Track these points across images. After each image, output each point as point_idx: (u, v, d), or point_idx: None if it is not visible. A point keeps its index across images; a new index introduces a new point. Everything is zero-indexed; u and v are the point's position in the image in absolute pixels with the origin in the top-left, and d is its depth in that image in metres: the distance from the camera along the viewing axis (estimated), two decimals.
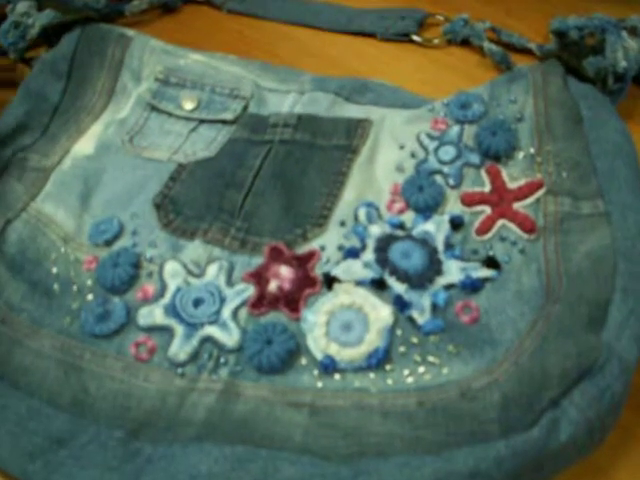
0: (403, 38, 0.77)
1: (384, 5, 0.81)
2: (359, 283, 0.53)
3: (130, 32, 0.72)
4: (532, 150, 0.59)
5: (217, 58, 0.71)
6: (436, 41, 0.77)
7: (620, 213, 0.54)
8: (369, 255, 0.54)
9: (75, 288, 0.55)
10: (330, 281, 0.53)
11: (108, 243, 0.58)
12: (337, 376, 0.49)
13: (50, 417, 0.48)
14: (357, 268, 0.54)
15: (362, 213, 0.57)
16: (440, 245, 0.55)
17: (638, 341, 0.47)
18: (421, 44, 0.77)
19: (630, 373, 0.46)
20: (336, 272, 0.54)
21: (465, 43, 0.76)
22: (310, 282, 0.53)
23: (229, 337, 0.51)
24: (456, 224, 0.56)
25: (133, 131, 0.66)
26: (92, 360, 0.51)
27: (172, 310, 0.53)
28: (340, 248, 0.55)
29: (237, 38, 0.79)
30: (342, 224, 0.57)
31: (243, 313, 0.53)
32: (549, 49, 0.72)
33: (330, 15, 0.80)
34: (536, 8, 0.80)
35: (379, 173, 0.60)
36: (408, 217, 0.57)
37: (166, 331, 0.52)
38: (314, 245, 0.56)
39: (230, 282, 0.54)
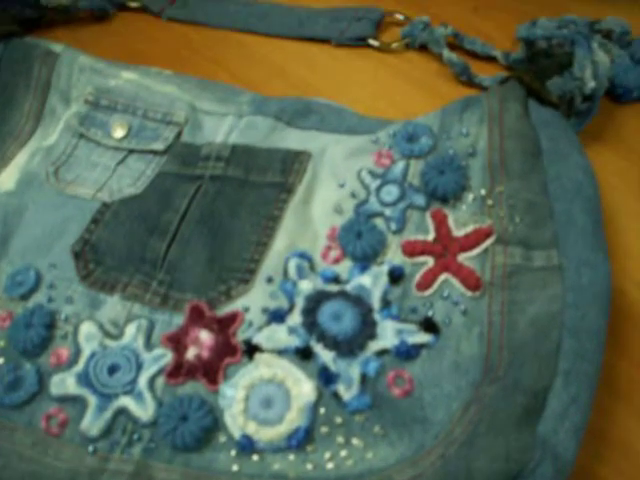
0: (359, 42, 0.72)
1: (340, 3, 0.75)
2: (282, 352, 0.49)
3: (57, 47, 0.67)
4: (483, 191, 0.54)
5: (151, 76, 0.66)
6: (394, 45, 0.71)
7: (574, 269, 0.49)
8: (296, 318, 0.50)
9: None
10: (251, 350, 0.49)
11: (24, 297, 0.54)
12: (255, 457, 0.46)
13: None
14: (281, 335, 0.50)
15: (292, 266, 0.53)
16: (376, 302, 0.51)
17: (578, 434, 0.43)
18: (378, 49, 0.71)
19: (565, 474, 0.42)
20: (258, 340, 0.50)
21: (423, 49, 0.71)
22: (230, 350, 0.50)
23: (144, 410, 0.48)
24: (395, 277, 0.52)
25: (59, 161, 0.61)
26: (1, 434, 0.48)
27: (85, 379, 0.50)
28: (265, 311, 0.51)
29: (180, 44, 0.74)
30: (269, 280, 0.52)
31: (160, 382, 0.49)
32: (515, 58, 0.67)
33: (279, 18, 0.75)
34: (505, 6, 0.74)
35: (316, 214, 0.56)
36: (344, 267, 0.53)
37: (79, 402, 0.49)
38: (238, 305, 0.52)
39: (149, 345, 0.51)
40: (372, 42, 0.72)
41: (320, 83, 0.68)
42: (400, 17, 0.73)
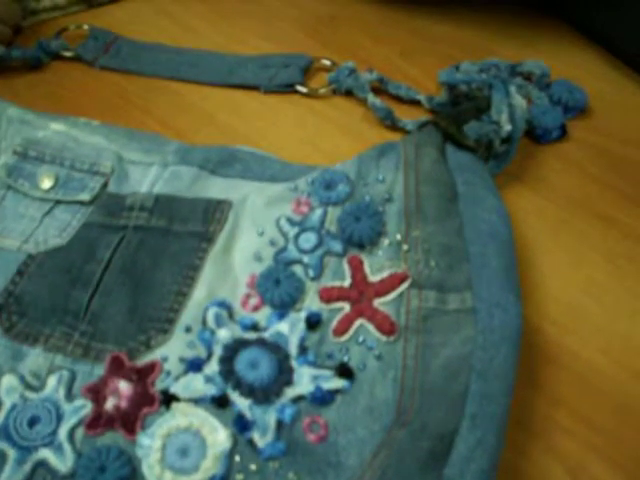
0: (287, 89, 0.73)
1: (272, 48, 0.77)
2: (199, 401, 0.50)
3: None
4: (399, 237, 0.55)
5: (79, 126, 0.67)
6: (322, 91, 0.73)
7: (487, 311, 0.50)
8: (214, 366, 0.51)
9: None
10: (169, 399, 0.50)
11: None
12: None
13: None
14: (198, 384, 0.50)
15: (211, 315, 0.54)
16: (293, 349, 0.52)
17: (484, 476, 0.44)
18: (306, 94, 0.73)
19: None
20: (175, 389, 0.50)
21: (351, 93, 0.72)
22: (148, 400, 0.50)
23: (63, 462, 0.48)
24: (312, 323, 0.53)
25: None
26: None
27: (5, 432, 0.50)
28: (182, 360, 0.52)
29: (113, 93, 0.75)
30: (188, 330, 0.53)
31: (79, 433, 0.49)
32: (438, 101, 0.69)
33: (210, 66, 0.76)
34: (431, 50, 0.76)
35: (236, 263, 0.57)
36: (263, 315, 0.54)
37: None
38: (157, 355, 0.52)
39: (70, 396, 0.51)
40: (300, 88, 0.73)
41: (248, 130, 0.69)
42: (327, 63, 0.74)
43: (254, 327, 0.53)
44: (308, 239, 0.57)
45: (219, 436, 0.48)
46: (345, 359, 0.51)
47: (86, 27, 0.82)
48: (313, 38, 0.79)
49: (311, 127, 0.70)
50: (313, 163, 0.63)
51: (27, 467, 0.48)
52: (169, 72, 0.76)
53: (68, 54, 0.80)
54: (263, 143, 0.66)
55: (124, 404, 0.50)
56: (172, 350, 0.52)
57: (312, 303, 0.54)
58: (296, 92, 0.73)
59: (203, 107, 0.73)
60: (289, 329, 0.53)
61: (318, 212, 0.58)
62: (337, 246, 0.56)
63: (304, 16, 0.83)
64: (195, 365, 0.51)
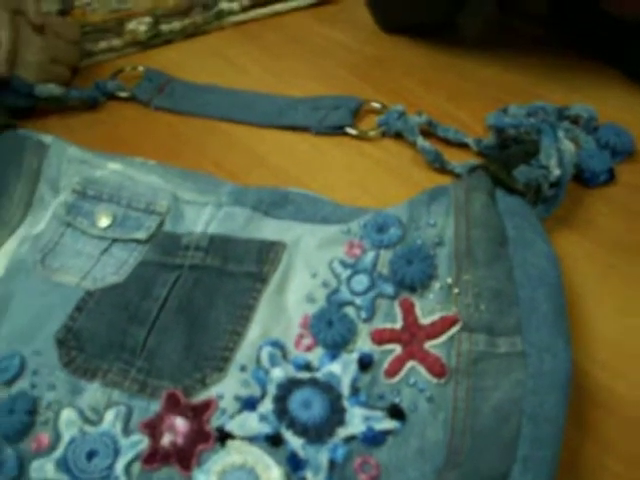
0: (337, 131, 0.75)
1: (322, 91, 0.79)
2: (253, 439, 0.51)
3: (48, 138, 0.70)
4: (449, 280, 0.56)
5: (136, 166, 0.69)
6: (371, 133, 0.74)
7: (537, 356, 0.51)
8: (268, 405, 0.52)
9: None
10: (224, 437, 0.51)
11: (7, 383, 0.56)
12: None
13: None
14: (252, 422, 0.51)
15: (265, 355, 0.55)
16: (345, 389, 0.53)
17: None
18: (355, 136, 0.74)
19: None
20: (231, 427, 0.51)
21: (399, 136, 0.74)
22: (204, 437, 0.51)
23: None
24: (364, 364, 0.54)
25: (47, 249, 0.64)
26: None
27: (64, 464, 0.51)
28: (237, 398, 0.53)
29: (167, 133, 0.77)
30: (242, 369, 0.54)
31: (136, 468, 0.51)
32: (487, 144, 0.70)
33: (261, 107, 0.78)
34: (478, 93, 0.78)
35: (290, 303, 0.58)
36: (315, 355, 0.55)
37: None
38: (212, 393, 0.54)
39: (127, 431, 0.52)
40: (350, 130, 0.74)
41: (299, 172, 0.71)
42: (377, 105, 0.76)
43: (307, 367, 0.54)
44: (360, 281, 0.58)
45: (273, 474, 0.49)
46: (396, 400, 0.52)
47: (141, 68, 0.85)
48: (361, 80, 0.81)
49: (361, 169, 0.71)
50: (363, 205, 0.64)
51: None
52: (221, 113, 0.78)
53: (124, 94, 0.82)
54: (314, 185, 0.67)
55: (180, 440, 0.51)
56: (227, 388, 0.54)
57: (364, 344, 0.55)
58: (346, 134, 0.75)
59: (255, 148, 0.74)
60: (341, 370, 0.54)
61: (370, 255, 0.59)
62: (389, 289, 0.57)
63: (351, 57, 0.85)
64: (250, 404, 0.52)
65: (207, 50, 0.89)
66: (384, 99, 0.77)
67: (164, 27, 0.91)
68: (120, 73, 0.85)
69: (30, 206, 0.68)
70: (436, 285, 0.56)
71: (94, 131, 0.74)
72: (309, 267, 0.59)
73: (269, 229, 0.63)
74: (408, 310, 0.56)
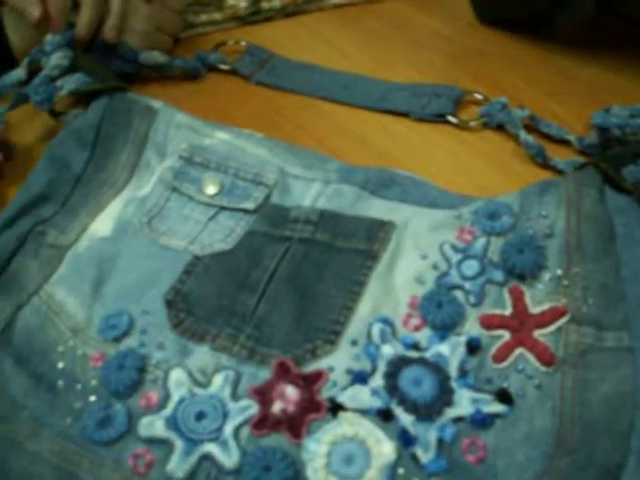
0: (438, 118, 0.75)
1: (420, 79, 0.79)
2: (365, 412, 0.51)
3: (157, 104, 0.71)
4: (559, 272, 0.56)
5: (244, 137, 0.69)
6: (472, 124, 0.74)
7: None
8: (378, 381, 0.53)
9: (79, 387, 0.54)
10: (335, 408, 0.52)
11: (116, 340, 0.56)
12: None
13: None
14: (364, 396, 0.52)
15: (376, 331, 0.55)
16: (453, 371, 0.53)
17: None
18: (456, 125, 0.74)
19: None
20: (342, 399, 0.52)
21: (500, 128, 0.74)
22: (315, 407, 0.52)
23: (228, 457, 0.50)
24: (473, 347, 0.54)
25: (152, 212, 0.65)
26: (90, 470, 0.50)
27: (173, 423, 0.52)
28: (349, 371, 0.53)
29: (268, 108, 0.78)
30: (354, 343, 0.55)
31: (245, 432, 0.51)
32: (589, 143, 0.70)
33: (362, 89, 0.78)
34: (580, 92, 0.78)
35: (398, 283, 0.58)
36: (423, 335, 0.55)
37: (165, 445, 0.51)
38: (322, 364, 0.54)
39: (235, 395, 0.53)
40: (451, 119, 0.75)
41: (400, 155, 0.71)
42: (479, 97, 0.76)
43: (416, 346, 0.55)
44: (471, 266, 0.58)
45: (384, 448, 0.49)
46: (504, 385, 0.52)
47: (243, 43, 0.85)
48: (461, 70, 0.81)
49: (462, 158, 0.72)
50: (466, 193, 0.64)
51: (193, 459, 0.50)
52: (322, 92, 0.79)
53: (225, 67, 0.83)
54: (416, 169, 0.67)
55: (291, 408, 0.52)
56: (338, 361, 0.54)
57: (472, 328, 0.55)
58: (446, 122, 0.75)
59: (356, 129, 0.75)
60: (450, 351, 0.54)
61: (481, 241, 0.59)
62: (499, 275, 0.57)
63: (452, 48, 0.85)
64: (361, 377, 0.53)
65: (306, 30, 0.90)
66: (483, 91, 0.77)
67: (264, 4, 0.91)
68: (221, 46, 0.86)
69: (136, 169, 0.69)
70: (546, 276, 0.57)
71: (195, 101, 0.75)
72: (419, 248, 0.60)
73: (376, 208, 0.64)
74: (518, 298, 0.56)
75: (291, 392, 0.53)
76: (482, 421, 0.50)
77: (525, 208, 0.60)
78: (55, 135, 0.73)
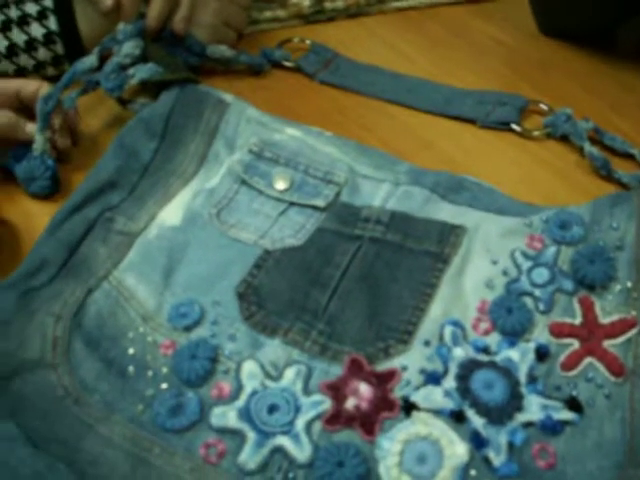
0: (502, 126, 0.75)
1: (481, 86, 0.79)
2: (438, 413, 0.52)
3: (228, 97, 0.72)
4: (629, 284, 0.57)
5: (313, 135, 0.70)
6: (536, 133, 0.75)
7: None
8: (450, 382, 0.53)
9: (150, 373, 0.55)
10: (409, 407, 0.52)
11: (187, 329, 0.57)
12: None
13: None
14: (437, 396, 0.53)
15: (448, 333, 0.56)
16: (523, 377, 0.54)
17: None
18: (520, 134, 0.75)
19: None
20: (416, 398, 0.52)
21: (564, 139, 0.74)
22: (388, 405, 0.52)
23: (300, 451, 0.50)
24: (541, 354, 0.55)
25: (221, 204, 0.65)
26: (160, 456, 0.51)
27: (246, 414, 0.52)
28: (422, 371, 0.54)
29: (332, 107, 0.78)
30: (426, 344, 0.56)
31: (317, 427, 0.52)
32: None
33: (426, 94, 0.79)
34: None
35: (467, 287, 0.59)
36: (493, 340, 0.56)
37: (238, 435, 0.51)
38: (395, 364, 0.55)
39: (307, 390, 0.54)
40: (515, 127, 0.75)
41: (464, 161, 0.72)
42: (543, 107, 0.76)
43: (485, 350, 0.55)
44: (541, 274, 0.59)
45: (458, 449, 0.50)
46: (574, 393, 0.53)
47: (308, 42, 0.86)
48: (522, 79, 0.81)
49: (525, 167, 0.72)
50: (532, 203, 0.65)
51: (265, 451, 0.51)
52: (387, 95, 0.79)
53: (289, 64, 0.83)
54: (481, 176, 0.68)
55: (364, 405, 0.52)
56: (412, 361, 0.55)
57: (540, 335, 0.56)
58: (510, 130, 0.75)
59: (421, 133, 0.75)
60: (519, 357, 0.55)
61: (552, 249, 0.60)
62: (568, 284, 0.58)
63: (514, 57, 0.85)
64: (434, 378, 0.54)
65: (368, 32, 0.90)
66: (545, 101, 0.78)
67: (328, 4, 0.92)
68: (286, 43, 0.86)
69: (204, 160, 0.69)
70: (616, 287, 0.57)
71: (259, 96, 0.75)
72: (490, 254, 0.60)
73: (446, 212, 0.64)
74: (588, 308, 0.57)
75: (364, 389, 0.53)
76: (552, 427, 0.51)
77: (596, 219, 0.61)
78: (120, 123, 0.75)
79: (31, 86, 0.71)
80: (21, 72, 0.80)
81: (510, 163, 0.72)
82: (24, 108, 0.72)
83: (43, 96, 0.69)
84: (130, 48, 0.73)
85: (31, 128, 0.70)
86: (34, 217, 0.69)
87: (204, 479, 0.50)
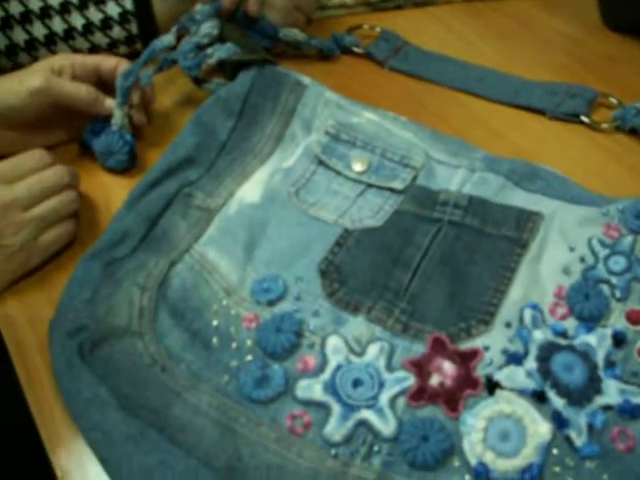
0: (571, 118, 0.76)
1: (548, 78, 0.80)
2: (521, 392, 0.53)
3: (306, 80, 0.73)
4: None
5: (389, 119, 0.71)
6: (605, 126, 0.76)
7: None
8: (531, 363, 0.54)
9: (234, 345, 0.56)
10: (492, 386, 0.53)
11: (271, 303, 0.58)
12: None
13: None
14: (520, 376, 0.54)
15: (528, 315, 0.57)
16: (600, 361, 0.55)
17: None
18: (589, 126, 0.76)
19: None
20: (499, 377, 0.54)
21: (633, 132, 0.75)
22: (471, 383, 0.54)
23: (385, 425, 0.52)
24: (619, 340, 0.56)
25: (299, 184, 0.66)
26: (246, 425, 0.52)
27: (331, 388, 0.54)
28: (504, 352, 0.55)
29: (403, 94, 0.79)
30: (508, 325, 0.57)
31: (401, 402, 0.53)
32: None
33: (495, 84, 0.80)
34: None
35: (544, 272, 0.60)
36: (570, 325, 0.57)
37: (323, 408, 0.53)
38: (477, 343, 0.56)
39: (390, 367, 0.55)
40: (585, 119, 0.76)
41: (535, 150, 0.73)
42: (613, 100, 0.77)
43: (564, 334, 0.56)
44: (618, 262, 0.60)
45: (540, 428, 0.51)
46: None
47: (378, 29, 0.87)
48: (588, 72, 0.82)
49: (595, 159, 0.73)
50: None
51: (350, 423, 0.52)
52: (457, 84, 0.81)
53: (358, 51, 0.84)
54: (550, 166, 0.68)
55: (449, 382, 0.54)
56: (494, 341, 0.56)
57: (617, 322, 0.57)
58: (579, 122, 0.76)
59: (492, 122, 0.76)
60: (597, 342, 0.56)
61: (629, 239, 0.61)
62: None
63: (581, 51, 0.86)
64: (516, 358, 0.55)
65: (435, 21, 0.91)
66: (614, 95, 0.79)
67: None
68: (356, 29, 0.88)
69: (281, 141, 0.70)
70: None
71: (330, 81, 0.76)
72: (567, 240, 0.61)
73: (520, 199, 0.65)
74: None
75: (448, 367, 0.55)
76: (631, 411, 0.52)
77: None
78: (190, 102, 0.76)
79: (110, 62, 0.72)
80: (94, 50, 0.81)
81: (579, 154, 0.73)
82: (102, 84, 0.73)
83: (123, 72, 0.70)
84: (208, 28, 0.75)
85: (110, 103, 0.71)
86: (111, 191, 0.70)
87: (290, 449, 0.51)
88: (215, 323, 0.57)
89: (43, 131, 0.72)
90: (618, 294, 0.58)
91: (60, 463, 0.53)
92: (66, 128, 0.74)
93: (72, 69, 0.71)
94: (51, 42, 0.79)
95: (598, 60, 0.85)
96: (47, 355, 0.56)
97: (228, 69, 0.75)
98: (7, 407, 0.63)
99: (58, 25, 0.78)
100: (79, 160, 0.73)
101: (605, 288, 0.59)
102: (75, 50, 0.81)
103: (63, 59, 0.71)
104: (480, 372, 0.54)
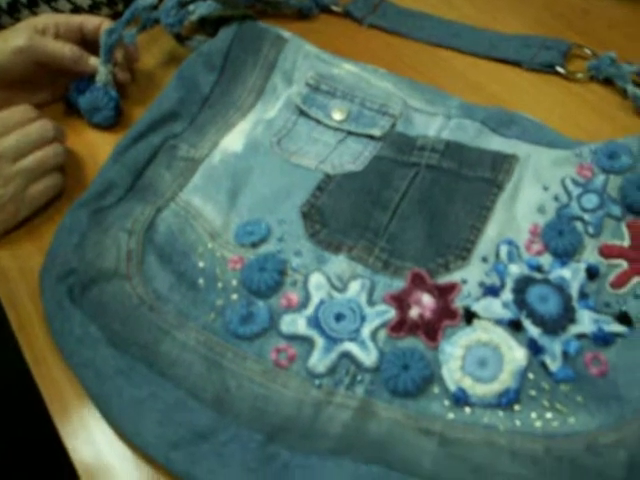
0: (547, 69, 0.78)
1: (524, 32, 0.82)
2: (497, 322, 0.55)
3: (286, 34, 0.75)
4: None
5: (369, 71, 0.73)
6: (579, 75, 0.77)
7: None
8: (507, 295, 0.56)
9: (220, 285, 0.58)
10: (470, 316, 0.55)
11: (254, 245, 0.60)
12: (467, 409, 0.51)
13: (194, 411, 0.51)
14: (496, 307, 0.56)
15: (504, 251, 0.59)
16: (575, 293, 0.57)
17: None
18: (564, 76, 0.78)
19: None
20: (476, 308, 0.56)
21: (607, 82, 0.77)
22: (450, 314, 0.56)
23: (367, 356, 0.54)
24: (592, 274, 0.58)
25: (281, 134, 0.68)
26: (233, 360, 0.54)
27: (315, 322, 0.56)
28: (481, 284, 0.57)
29: (382, 49, 0.81)
30: (484, 260, 0.59)
31: (382, 334, 0.55)
32: None
33: (471, 38, 0.81)
34: None
35: (520, 211, 0.62)
36: (545, 260, 0.59)
37: (307, 341, 0.55)
38: (455, 277, 0.58)
39: (371, 301, 0.57)
40: (560, 69, 0.78)
41: (512, 100, 0.74)
42: (587, 51, 0.79)
43: (539, 268, 0.58)
44: (590, 200, 0.62)
45: (516, 354, 0.53)
46: (623, 309, 0.56)
47: None
48: (565, 27, 0.83)
49: (570, 107, 0.75)
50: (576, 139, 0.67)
51: (333, 355, 0.54)
52: (434, 39, 0.82)
53: (337, 9, 0.86)
54: (528, 114, 0.70)
55: (428, 314, 0.56)
56: (471, 275, 0.58)
57: (590, 256, 0.59)
58: (555, 73, 0.78)
59: (470, 76, 0.78)
60: (571, 275, 0.58)
61: (601, 178, 0.63)
62: (616, 210, 0.61)
63: (556, 5, 0.87)
64: (493, 290, 0.57)
65: None
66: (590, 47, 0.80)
67: None
68: None
69: (262, 93, 0.72)
70: None
71: (309, 39, 0.76)
72: (541, 181, 0.63)
73: (497, 144, 0.67)
74: (636, 231, 0.60)
75: (427, 300, 0.56)
76: (604, 338, 0.54)
77: None
78: (173, 61, 0.78)
79: (94, 21, 0.74)
80: (76, 11, 0.83)
81: (555, 103, 0.75)
82: (85, 43, 0.74)
83: (107, 29, 0.71)
84: None
85: (94, 61, 0.72)
86: (97, 148, 0.71)
87: (275, 380, 0.53)
88: (201, 265, 0.59)
89: (28, 90, 0.73)
90: (591, 230, 0.60)
91: (52, 403, 0.55)
92: (51, 87, 0.75)
93: (56, 28, 0.72)
94: (33, 4, 0.81)
95: (573, 14, 0.86)
96: (38, 302, 0.58)
97: (209, 26, 0.77)
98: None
99: None
100: (65, 119, 0.74)
101: (579, 225, 0.61)
102: (57, 12, 0.82)
103: (47, 18, 0.72)
104: (458, 304, 0.56)
